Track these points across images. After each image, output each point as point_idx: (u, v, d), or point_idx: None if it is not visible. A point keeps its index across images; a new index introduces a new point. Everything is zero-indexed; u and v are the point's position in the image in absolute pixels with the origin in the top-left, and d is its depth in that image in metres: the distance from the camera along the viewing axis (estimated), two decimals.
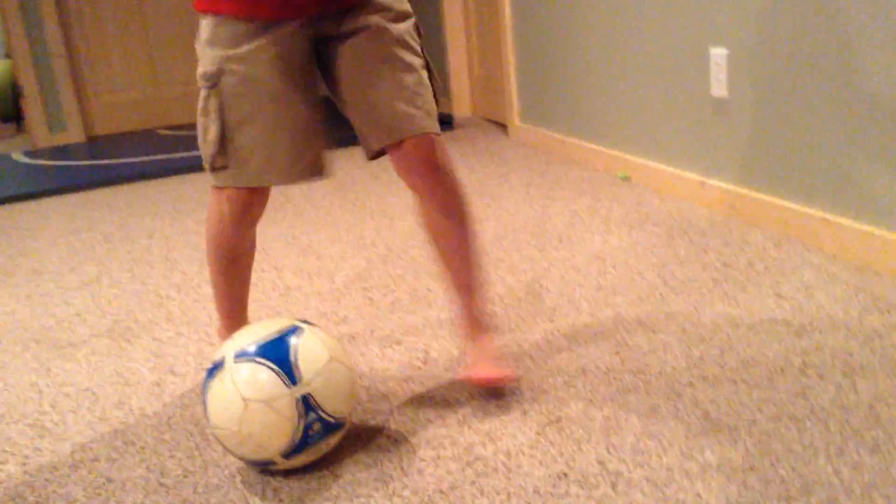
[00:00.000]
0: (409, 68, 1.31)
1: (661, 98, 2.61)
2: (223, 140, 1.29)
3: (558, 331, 1.67)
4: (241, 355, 1.22)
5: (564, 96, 3.30)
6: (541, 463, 1.22)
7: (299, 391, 1.19)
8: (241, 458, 1.25)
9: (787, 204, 2.10)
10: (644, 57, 2.67)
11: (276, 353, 1.21)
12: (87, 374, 1.71)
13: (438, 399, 1.45)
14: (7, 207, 3.48)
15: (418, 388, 1.50)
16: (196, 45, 1.33)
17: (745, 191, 2.26)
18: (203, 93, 1.30)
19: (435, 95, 1.36)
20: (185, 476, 1.28)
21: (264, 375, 1.19)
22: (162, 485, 1.26)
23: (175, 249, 2.58)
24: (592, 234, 2.30)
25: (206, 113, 1.30)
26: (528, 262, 2.12)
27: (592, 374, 1.48)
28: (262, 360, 1.20)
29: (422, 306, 1.90)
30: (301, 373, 1.20)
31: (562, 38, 3.22)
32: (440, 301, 1.92)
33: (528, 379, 1.49)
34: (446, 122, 4.28)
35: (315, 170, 1.36)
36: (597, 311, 1.76)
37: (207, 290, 2.16)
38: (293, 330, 1.26)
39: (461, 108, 4.45)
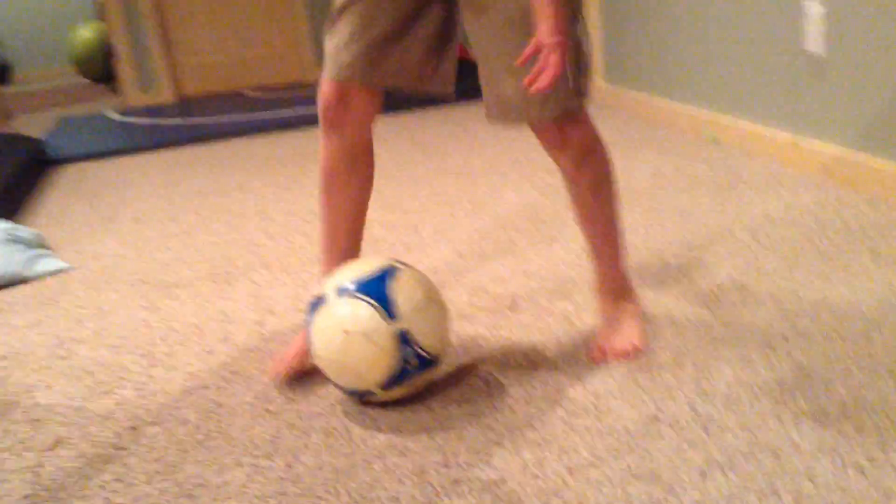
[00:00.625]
0: (519, 50, 1.18)
1: (751, 55, 2.55)
2: (331, 27, 1.30)
3: (645, 284, 1.68)
4: (343, 291, 1.28)
5: (649, 55, 3.24)
6: (631, 406, 1.25)
7: (397, 326, 1.24)
8: (341, 388, 1.31)
9: (885, 165, 2.04)
10: (733, 11, 2.60)
11: (376, 289, 1.26)
12: (192, 311, 1.81)
13: (527, 344, 1.49)
14: (105, 161, 3.64)
15: (507, 334, 1.54)
16: None
17: (840, 151, 2.20)
18: None
19: (579, 75, 1.26)
20: (289, 403, 1.36)
21: (364, 310, 1.24)
22: (268, 410, 1.34)
23: (268, 203, 2.67)
24: (679, 192, 2.28)
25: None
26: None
27: (682, 325, 1.49)
28: (363, 296, 1.26)
29: (507, 257, 1.93)
30: (399, 309, 1.25)
31: None
32: (525, 252, 1.94)
33: None
34: None
35: (418, 81, 1.33)
36: (685, 267, 1.76)
37: (300, 240, 2.24)
38: (392, 269, 1.31)
39: None
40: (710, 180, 2.36)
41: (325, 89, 1.33)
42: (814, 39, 2.24)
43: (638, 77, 3.38)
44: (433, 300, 1.32)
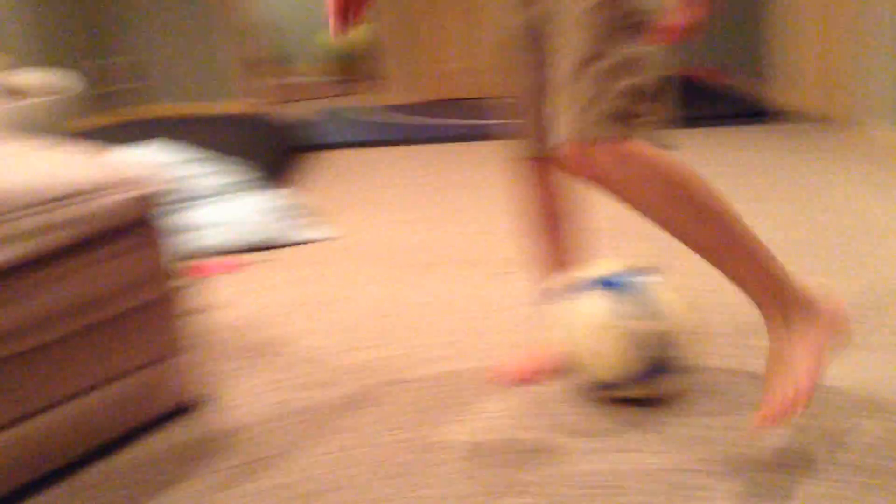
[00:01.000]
0: (562, 56, 1.11)
1: None
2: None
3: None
4: (603, 283, 1.29)
5: None
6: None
7: (656, 326, 1.24)
8: (586, 377, 1.32)
9: None
10: None
11: (639, 288, 1.27)
12: (441, 290, 1.91)
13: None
14: (360, 150, 3.94)
15: (753, 362, 1.47)
16: None
17: None
18: None
19: (627, 99, 1.08)
20: (534, 387, 1.41)
21: (623, 305, 1.25)
22: (502, 387, 1.40)
23: (509, 203, 2.74)
24: None
25: None
26: (860, 265, 1.96)
27: None
28: (623, 291, 1.27)
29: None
30: (660, 311, 1.25)
31: None
32: None
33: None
34: (759, 113, 4.00)
35: None
36: None
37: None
38: (655, 272, 1.31)
39: (802, 101, 4.15)
40: None
41: (524, 164, 1.38)
42: None
43: None
44: (690, 310, 1.29)
